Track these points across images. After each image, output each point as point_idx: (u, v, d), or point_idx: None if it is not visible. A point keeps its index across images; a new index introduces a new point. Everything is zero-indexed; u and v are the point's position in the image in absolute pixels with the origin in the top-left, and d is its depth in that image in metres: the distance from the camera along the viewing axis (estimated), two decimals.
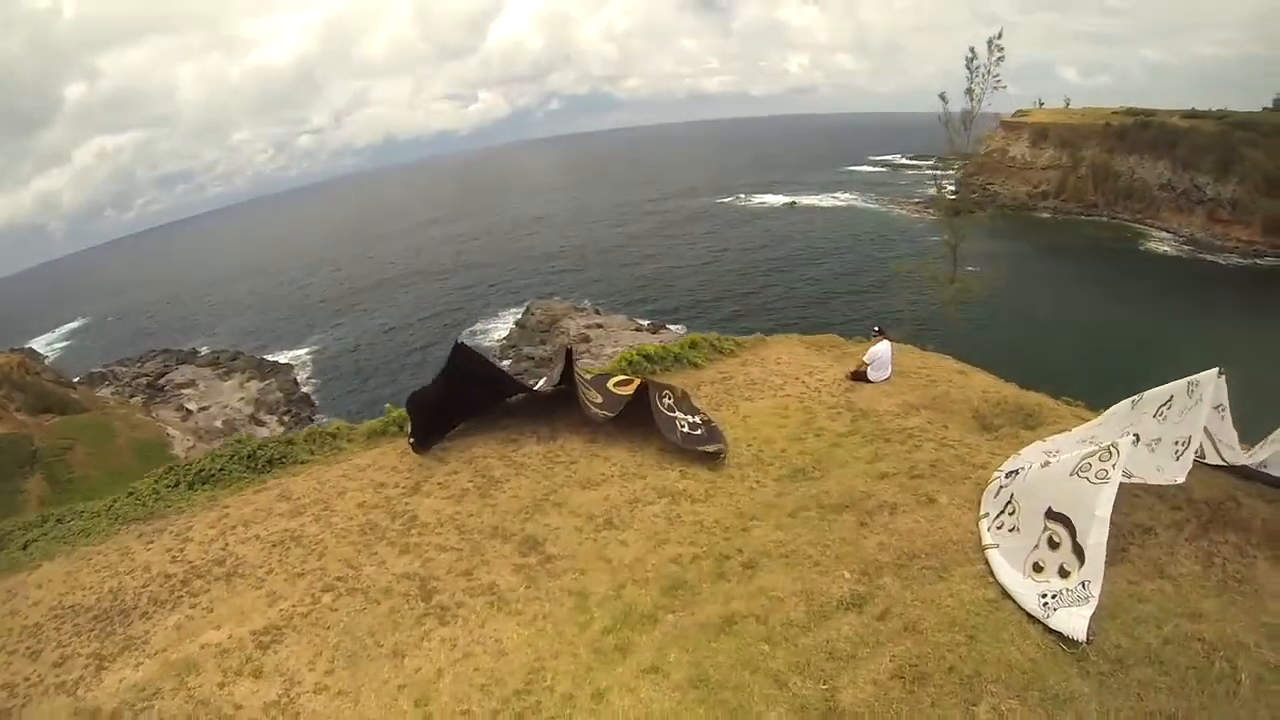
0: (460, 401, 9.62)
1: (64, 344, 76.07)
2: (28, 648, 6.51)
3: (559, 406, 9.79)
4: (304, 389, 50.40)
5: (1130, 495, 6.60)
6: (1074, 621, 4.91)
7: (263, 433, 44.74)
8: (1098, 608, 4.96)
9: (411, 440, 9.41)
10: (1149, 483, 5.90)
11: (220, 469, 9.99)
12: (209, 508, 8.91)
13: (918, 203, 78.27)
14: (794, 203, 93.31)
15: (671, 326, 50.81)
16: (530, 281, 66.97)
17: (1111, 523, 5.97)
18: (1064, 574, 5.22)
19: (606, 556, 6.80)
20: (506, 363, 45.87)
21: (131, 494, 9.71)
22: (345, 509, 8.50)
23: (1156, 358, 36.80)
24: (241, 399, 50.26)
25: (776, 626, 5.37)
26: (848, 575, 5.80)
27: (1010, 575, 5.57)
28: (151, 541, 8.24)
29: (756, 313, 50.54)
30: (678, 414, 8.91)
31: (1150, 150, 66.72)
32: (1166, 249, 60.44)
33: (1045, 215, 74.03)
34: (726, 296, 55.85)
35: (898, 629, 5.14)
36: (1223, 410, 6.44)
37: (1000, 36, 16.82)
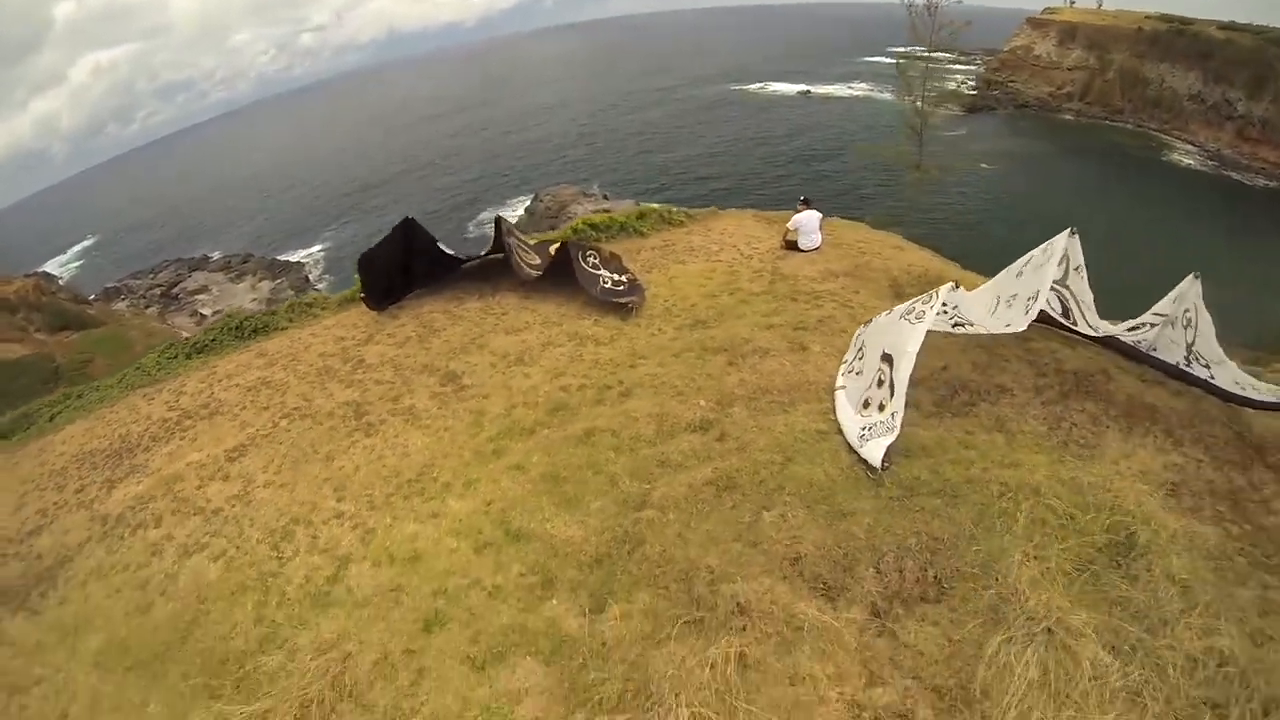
0: (411, 268, 10.94)
1: (77, 264, 79.11)
2: (55, 483, 8.59)
3: (508, 270, 10.91)
4: (317, 286, 52.55)
5: (999, 360, 7.29)
6: (875, 450, 5.66)
7: None
8: (899, 442, 5.71)
9: (363, 297, 10.79)
10: (993, 331, 6.52)
11: (213, 340, 12.04)
12: (201, 369, 10.85)
13: (934, 96, 75.43)
14: (809, 92, 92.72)
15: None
16: (541, 171, 67.42)
17: (971, 381, 6.86)
18: (881, 408, 6.00)
19: (509, 385, 8.11)
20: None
21: (139, 368, 12.00)
22: (309, 358, 10.18)
23: (1162, 271, 37.36)
24: (254, 300, 52.62)
25: (626, 440, 6.58)
26: (703, 404, 6.85)
27: (845, 412, 6.36)
28: (153, 398, 10.26)
29: (769, 203, 51.11)
30: (603, 271, 9.92)
31: (1183, 59, 66.27)
32: (1190, 162, 59.69)
33: (1068, 117, 72.68)
34: (740, 188, 55.52)
35: (730, 448, 6.21)
36: (1081, 271, 6.84)
37: None
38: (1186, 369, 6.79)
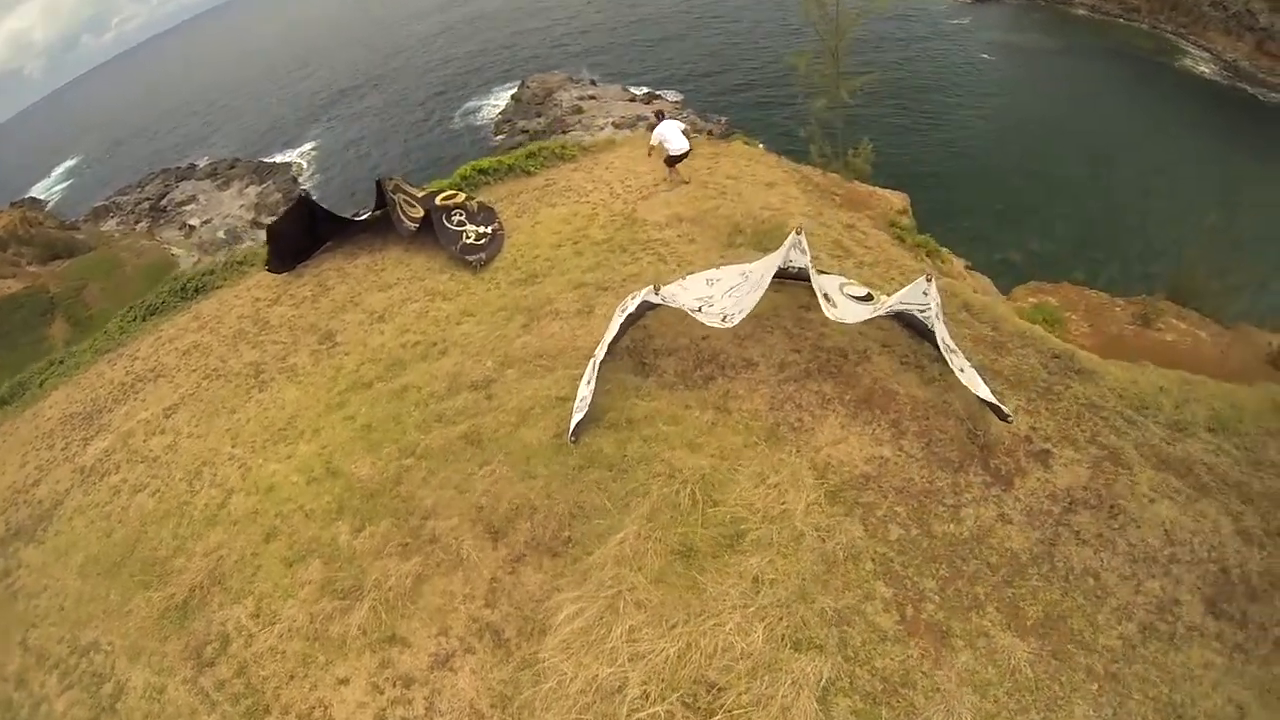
0: (314, 234, 13.77)
1: (64, 185, 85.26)
2: (46, 444, 12.12)
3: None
4: (304, 186, 56.65)
5: (763, 330, 8.49)
6: (573, 423, 7.38)
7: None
8: (600, 413, 7.41)
9: (268, 266, 13.68)
10: (710, 325, 7.46)
11: (162, 302, 15.41)
12: (152, 333, 14.18)
13: None
14: None
15: (668, 95, 53.28)
16: (532, 57, 69.82)
17: (723, 353, 8.15)
18: (587, 383, 7.58)
19: (366, 343, 10.77)
20: (500, 137, 52.41)
21: (105, 333, 15.60)
22: (229, 321, 13.24)
23: (1164, 192, 39.69)
24: (242, 206, 56.65)
25: (425, 395, 9.09)
26: (489, 364, 9.13)
27: (585, 382, 7.63)
28: (115, 364, 13.70)
29: (764, 83, 53.49)
30: (467, 227, 12.24)
31: None
32: (1204, 70, 61.25)
33: (1081, 12, 73.64)
34: (731, 68, 58.31)
35: (490, 408, 8.51)
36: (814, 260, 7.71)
37: None
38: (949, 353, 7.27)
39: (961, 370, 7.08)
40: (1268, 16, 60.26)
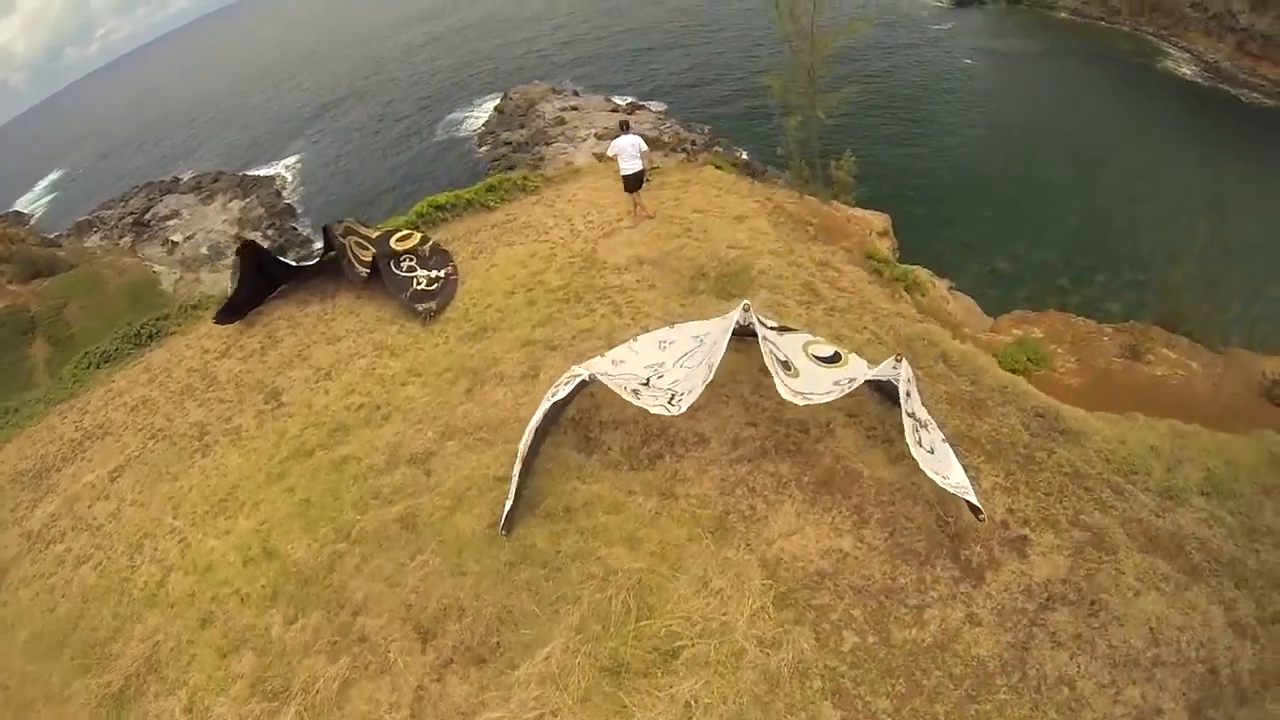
0: (261, 285, 13.18)
1: (48, 198, 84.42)
2: None
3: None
4: (287, 200, 56.83)
5: (719, 400, 7.89)
6: (504, 513, 6.86)
7: None
8: (526, 502, 6.94)
9: (216, 318, 13.07)
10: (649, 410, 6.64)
11: (116, 349, 14.84)
12: (104, 384, 13.63)
13: None
14: None
15: (651, 105, 53.42)
16: (515, 70, 70.40)
17: (672, 426, 7.53)
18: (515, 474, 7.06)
19: (311, 404, 10.23)
20: (484, 149, 52.38)
21: (59, 380, 15.10)
22: (178, 374, 12.72)
23: (1149, 196, 39.92)
24: (225, 220, 56.41)
25: (364, 469, 8.59)
26: (430, 435, 8.64)
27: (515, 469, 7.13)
28: (65, 416, 13.16)
29: (748, 94, 53.18)
30: (418, 272, 11.74)
31: None
32: (1186, 71, 63.14)
33: (1062, 15, 76.50)
34: (716, 79, 58.79)
35: (427, 486, 8.01)
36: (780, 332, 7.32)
37: None
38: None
39: (931, 451, 6.52)
40: (1248, 17, 61.93)
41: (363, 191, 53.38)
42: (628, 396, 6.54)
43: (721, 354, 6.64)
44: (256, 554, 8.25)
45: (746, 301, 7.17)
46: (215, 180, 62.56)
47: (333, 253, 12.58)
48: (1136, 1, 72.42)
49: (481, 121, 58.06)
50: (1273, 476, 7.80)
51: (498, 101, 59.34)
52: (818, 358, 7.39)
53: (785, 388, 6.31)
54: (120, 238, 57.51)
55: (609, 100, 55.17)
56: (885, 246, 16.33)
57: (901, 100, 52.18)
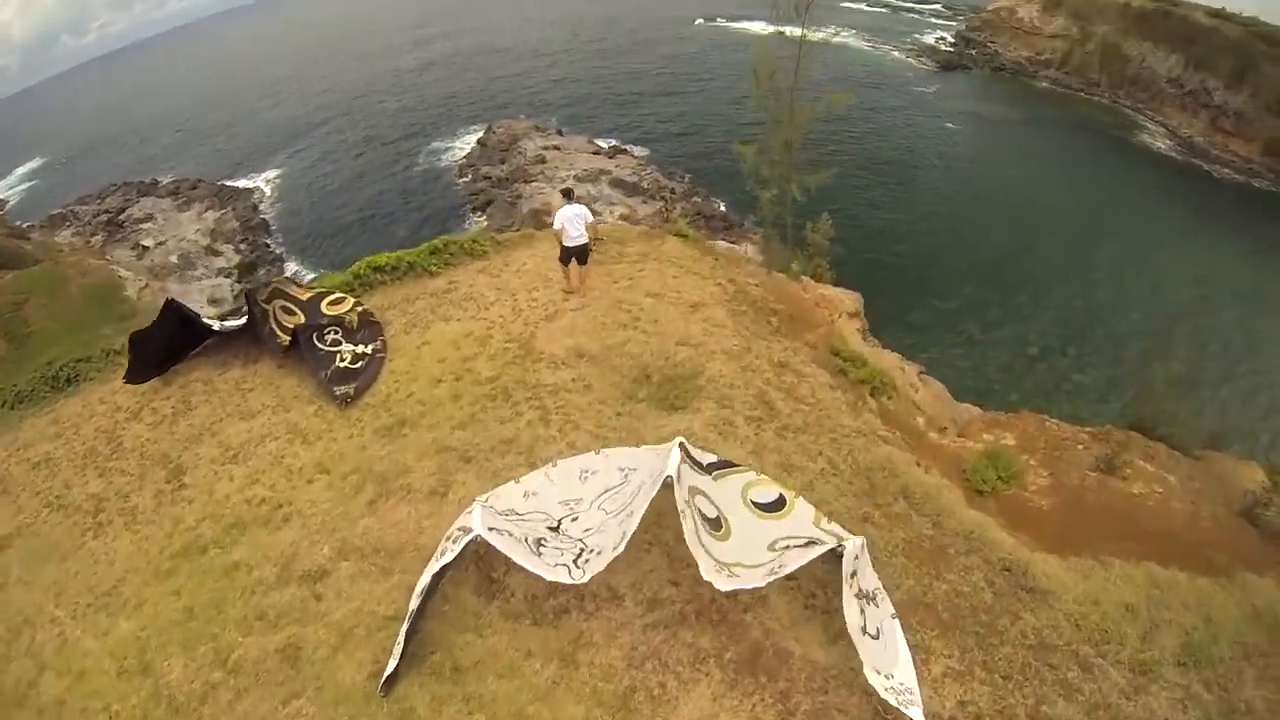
0: (179, 344, 12.15)
1: (25, 186, 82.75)
2: None
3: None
4: (263, 215, 55.88)
5: (641, 547, 6.87)
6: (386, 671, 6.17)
7: (219, 262, 50.36)
8: (413, 654, 6.17)
9: (126, 377, 11.97)
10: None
11: (32, 390, 13.56)
12: (13, 429, 12.39)
13: (913, 49, 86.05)
14: (782, 33, 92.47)
15: (634, 150, 53.62)
16: (500, 102, 71.22)
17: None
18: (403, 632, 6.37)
19: (213, 490, 9.36)
20: (464, 180, 52.39)
21: None
22: (86, 432, 11.65)
23: (1119, 261, 41.72)
24: (198, 230, 55.50)
25: (255, 580, 7.78)
26: (326, 551, 7.86)
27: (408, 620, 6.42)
28: None
29: (731, 146, 54.57)
30: (343, 346, 10.81)
31: (1166, 41, 73.08)
32: (1160, 145, 65.11)
33: (1044, 85, 79.62)
34: (702, 129, 59.97)
35: (319, 612, 7.21)
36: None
37: None
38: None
39: (877, 635, 5.67)
40: (1222, 94, 65.34)
41: (338, 215, 52.86)
42: (522, 560, 5.82)
43: (643, 511, 5.94)
44: (132, 666, 7.40)
45: (681, 440, 6.53)
46: (194, 187, 61.61)
47: (250, 319, 11.55)
48: (1115, 75, 77.03)
49: (464, 153, 58.09)
50: (1253, 634, 7.38)
51: (481, 134, 59.49)
52: (757, 505, 6.62)
53: (708, 562, 5.46)
54: (92, 235, 56.10)
55: (592, 142, 55.47)
56: (855, 328, 15.67)
57: (884, 162, 53.25)
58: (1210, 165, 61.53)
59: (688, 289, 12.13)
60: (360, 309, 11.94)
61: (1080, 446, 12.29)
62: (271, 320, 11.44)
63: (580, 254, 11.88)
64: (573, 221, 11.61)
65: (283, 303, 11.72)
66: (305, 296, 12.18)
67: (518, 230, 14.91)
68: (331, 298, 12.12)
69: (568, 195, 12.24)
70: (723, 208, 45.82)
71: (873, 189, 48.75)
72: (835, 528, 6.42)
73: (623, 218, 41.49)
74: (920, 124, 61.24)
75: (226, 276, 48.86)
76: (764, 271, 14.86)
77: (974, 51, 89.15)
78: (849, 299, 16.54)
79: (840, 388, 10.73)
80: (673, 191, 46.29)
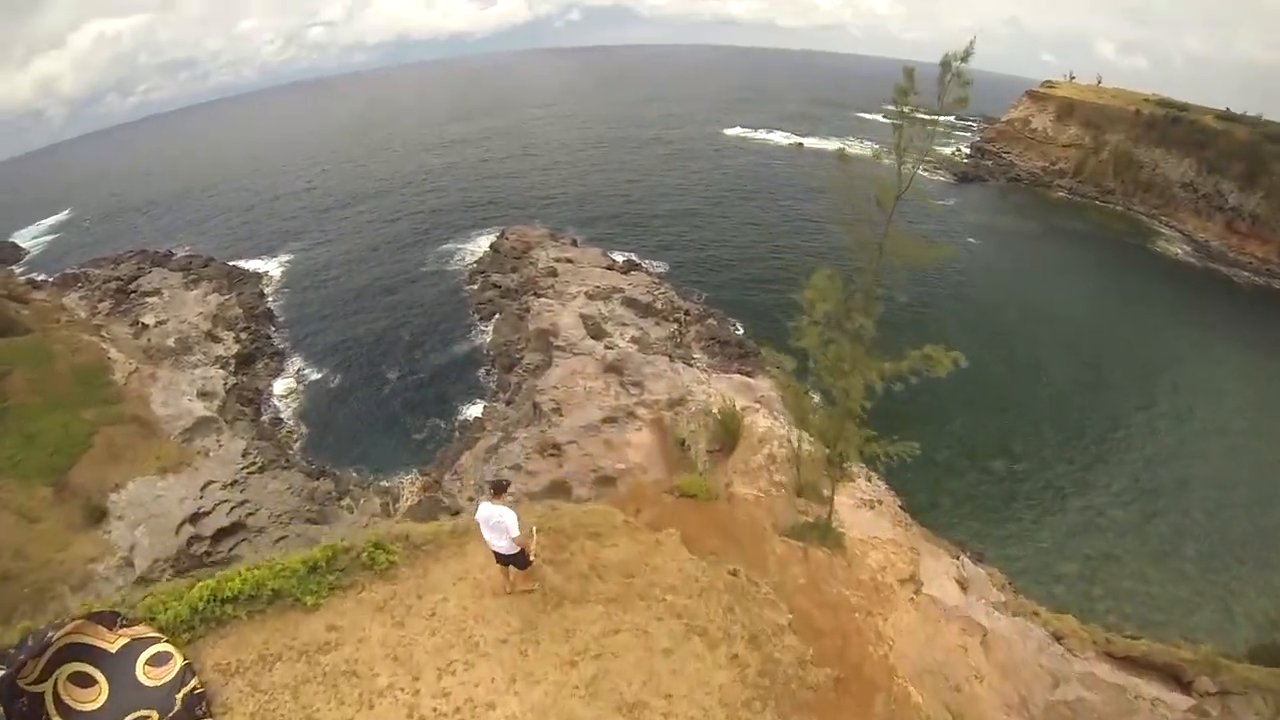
0: None
1: (49, 238, 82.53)
2: None
3: None
4: (269, 303, 53.85)
5: None
6: None
7: (218, 350, 48.10)
8: None
9: None
10: None
11: None
12: None
13: (930, 160, 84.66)
14: (801, 145, 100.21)
15: (650, 265, 51.33)
16: (525, 202, 71.73)
17: None
18: None
19: None
20: (472, 287, 49.63)
21: None
22: None
23: (1140, 371, 40.44)
24: (200, 314, 53.53)
25: None
26: None
27: None
28: None
29: (749, 262, 54.50)
30: None
31: (1177, 146, 73.98)
32: (1177, 251, 64.17)
33: (1059, 194, 79.83)
34: (725, 243, 58.90)
35: None
36: None
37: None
38: None
39: None
40: (1237, 196, 65.11)
41: (344, 311, 50.37)
42: None
43: None
44: None
45: None
46: (205, 265, 60.44)
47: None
48: (1129, 182, 77.62)
49: (475, 257, 55.92)
50: None
51: (494, 238, 57.34)
52: None
53: None
54: (99, 302, 54.31)
55: (606, 255, 52.74)
56: (908, 597, 11.28)
57: (904, 277, 49.82)
58: (1229, 269, 60.23)
59: (686, 686, 7.81)
60: (192, 683, 7.83)
61: None
62: (49, 704, 7.26)
63: (514, 561, 8.86)
64: (493, 530, 8.51)
65: (76, 667, 7.58)
66: (117, 645, 8.07)
67: (453, 516, 10.65)
68: (152, 652, 8.02)
69: (497, 490, 8.75)
70: (739, 330, 42.04)
71: (892, 314, 45.08)
72: None
73: (633, 340, 37.62)
74: (940, 239, 60.29)
75: (222, 367, 45.99)
76: (799, 550, 10.48)
77: (989, 162, 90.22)
78: (898, 552, 12.22)
79: None
80: (687, 313, 42.48)
